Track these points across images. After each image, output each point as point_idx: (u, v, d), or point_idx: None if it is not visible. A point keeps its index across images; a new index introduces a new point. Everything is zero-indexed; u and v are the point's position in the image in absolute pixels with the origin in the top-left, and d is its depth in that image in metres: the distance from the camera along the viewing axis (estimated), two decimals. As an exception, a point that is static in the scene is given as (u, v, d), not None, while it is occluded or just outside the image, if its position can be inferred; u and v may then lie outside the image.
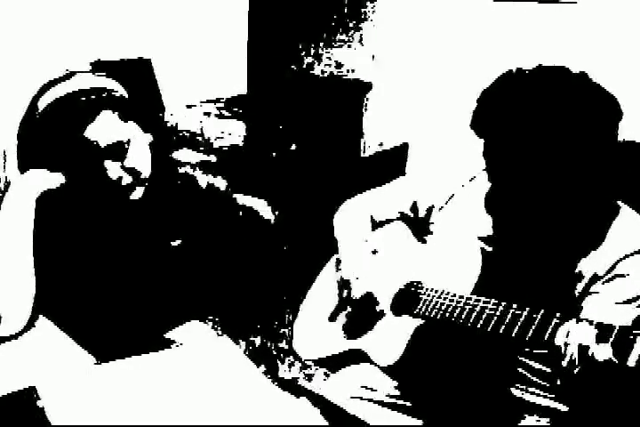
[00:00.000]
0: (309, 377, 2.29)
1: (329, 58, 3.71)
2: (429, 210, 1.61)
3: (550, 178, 1.25)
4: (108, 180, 1.49)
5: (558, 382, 1.41)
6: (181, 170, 1.74)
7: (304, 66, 3.80)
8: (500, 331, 1.25)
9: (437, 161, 3.25)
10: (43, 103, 1.46)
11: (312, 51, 3.75)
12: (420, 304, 1.45)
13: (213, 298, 1.76)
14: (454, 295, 1.38)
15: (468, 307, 1.33)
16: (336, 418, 1.34)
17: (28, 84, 1.55)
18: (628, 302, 1.27)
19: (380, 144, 3.61)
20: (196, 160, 3.09)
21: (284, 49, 3.85)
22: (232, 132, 3.48)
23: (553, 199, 1.30)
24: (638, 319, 1.24)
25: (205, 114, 3.57)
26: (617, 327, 1.09)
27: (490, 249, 1.45)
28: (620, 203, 1.38)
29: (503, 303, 1.27)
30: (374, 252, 1.69)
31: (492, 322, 1.27)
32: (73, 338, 1.47)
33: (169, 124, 3.41)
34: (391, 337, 1.47)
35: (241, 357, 1.29)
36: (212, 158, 3.19)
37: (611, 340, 1.09)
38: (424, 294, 1.46)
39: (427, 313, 1.42)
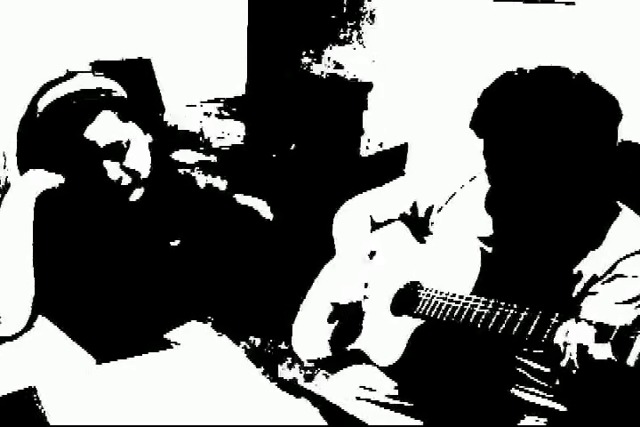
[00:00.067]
0: (309, 378, 2.29)
1: (329, 58, 3.71)
2: (429, 210, 1.61)
3: (550, 178, 1.25)
4: (108, 180, 1.49)
5: (557, 382, 1.41)
6: (181, 170, 1.74)
7: (304, 66, 3.80)
8: (500, 331, 1.25)
9: (437, 161, 3.25)
10: (43, 103, 1.46)
11: (312, 51, 3.75)
12: (420, 304, 1.45)
13: (213, 298, 1.76)
14: (454, 295, 1.38)
15: (467, 307, 1.33)
16: (335, 418, 1.35)
17: (28, 84, 1.54)
18: (628, 302, 1.27)
19: (380, 144, 3.61)
20: (196, 160, 3.09)
21: (284, 49, 3.85)
22: (232, 133, 3.48)
23: (553, 200, 1.30)
24: (638, 319, 1.24)
25: (205, 114, 3.57)
26: (616, 327, 1.09)
27: (489, 249, 1.45)
28: (619, 203, 1.38)
29: (502, 303, 1.27)
30: (374, 252, 1.69)
31: (492, 322, 1.27)
32: (72, 338, 1.47)
33: (169, 125, 3.40)
34: (391, 337, 1.47)
35: (240, 357, 1.29)
36: (212, 158, 3.19)
37: (610, 339, 1.09)
38: (424, 294, 1.46)
39: (426, 313, 1.42)
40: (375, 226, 1.73)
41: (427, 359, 1.47)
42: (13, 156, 1.53)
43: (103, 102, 1.47)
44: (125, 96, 1.55)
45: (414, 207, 1.64)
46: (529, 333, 1.20)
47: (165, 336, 1.64)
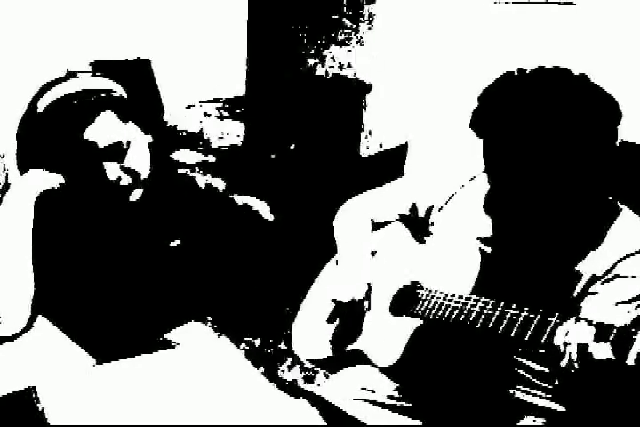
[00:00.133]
0: (308, 378, 2.29)
1: (328, 58, 3.71)
2: (428, 211, 1.61)
3: (549, 179, 1.25)
4: (108, 180, 1.49)
5: (557, 383, 1.41)
6: (181, 170, 1.74)
7: (303, 66, 3.80)
8: (500, 331, 1.25)
9: (437, 162, 3.25)
10: (42, 104, 1.46)
11: (311, 51, 3.75)
12: (420, 305, 1.45)
13: (212, 299, 1.76)
14: (453, 296, 1.38)
15: (467, 307, 1.33)
16: (335, 419, 1.35)
17: (28, 84, 1.54)
18: (628, 302, 1.27)
19: (380, 145, 3.61)
20: (196, 160, 3.09)
21: (284, 49, 3.85)
22: (231, 133, 3.48)
23: (552, 200, 1.30)
24: (637, 319, 1.24)
25: (205, 114, 3.57)
26: (616, 327, 1.09)
27: (489, 250, 1.45)
28: (619, 204, 1.38)
29: (502, 303, 1.27)
30: (374, 253, 1.69)
31: (492, 322, 1.27)
32: (72, 339, 1.47)
33: (168, 125, 3.41)
34: (390, 338, 1.47)
35: (240, 358, 1.29)
36: (212, 159, 3.19)
37: (609, 339, 1.09)
38: (423, 294, 1.46)
39: (426, 313, 1.42)
40: (375, 226, 1.73)
41: (426, 360, 1.47)
42: (13, 156, 1.53)
43: (103, 103, 1.47)
44: (125, 96, 1.55)
45: (414, 208, 1.64)
46: (528, 333, 1.20)
47: (165, 336, 1.64)
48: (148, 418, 1.12)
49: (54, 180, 1.51)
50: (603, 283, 1.30)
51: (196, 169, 1.76)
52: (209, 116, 3.56)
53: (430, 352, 1.46)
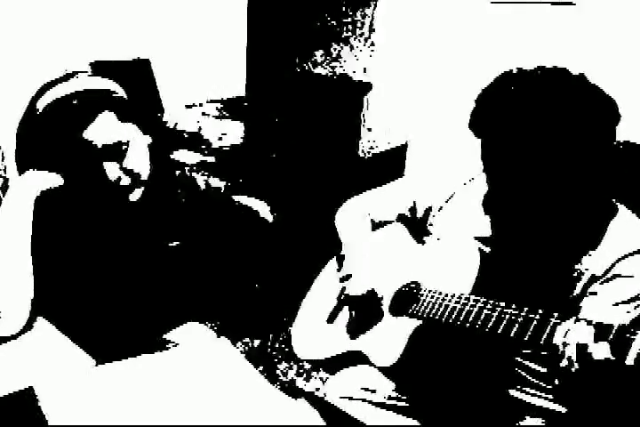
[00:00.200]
0: (308, 378, 2.29)
1: (328, 58, 3.71)
2: (428, 211, 1.61)
3: (548, 179, 1.26)
4: (107, 181, 1.49)
5: (556, 383, 1.41)
6: (180, 170, 1.74)
7: (303, 66, 3.80)
8: (499, 331, 1.25)
9: (436, 162, 3.25)
10: (42, 104, 1.46)
11: (311, 51, 3.75)
12: (419, 305, 1.45)
13: (212, 299, 1.76)
14: (453, 296, 1.38)
15: (466, 307, 1.33)
16: (334, 419, 1.35)
17: (27, 84, 1.55)
18: (627, 302, 1.27)
19: (380, 145, 3.61)
20: (195, 161, 3.09)
21: (283, 50, 3.85)
22: (231, 133, 3.48)
23: (551, 200, 1.30)
24: (636, 319, 1.24)
25: (204, 114, 3.57)
26: (615, 326, 1.09)
27: (488, 250, 1.45)
28: (617, 203, 1.38)
29: (501, 304, 1.27)
30: (373, 253, 1.69)
31: (491, 322, 1.27)
32: (72, 339, 1.47)
33: (168, 125, 3.41)
34: (390, 338, 1.47)
35: (239, 358, 1.29)
36: (211, 159, 3.19)
37: (609, 339, 1.09)
38: (422, 294, 1.46)
39: (425, 314, 1.42)
40: (374, 226, 1.73)
41: (426, 360, 1.47)
42: (13, 156, 1.53)
43: (102, 103, 1.47)
44: (125, 96, 1.55)
45: (413, 208, 1.64)
46: (528, 333, 1.20)
47: (165, 336, 1.65)
48: (147, 418, 1.12)
49: (54, 180, 1.51)
50: (602, 283, 1.31)
51: (196, 169, 1.76)
52: (209, 116, 3.56)
53: (430, 353, 1.46)
